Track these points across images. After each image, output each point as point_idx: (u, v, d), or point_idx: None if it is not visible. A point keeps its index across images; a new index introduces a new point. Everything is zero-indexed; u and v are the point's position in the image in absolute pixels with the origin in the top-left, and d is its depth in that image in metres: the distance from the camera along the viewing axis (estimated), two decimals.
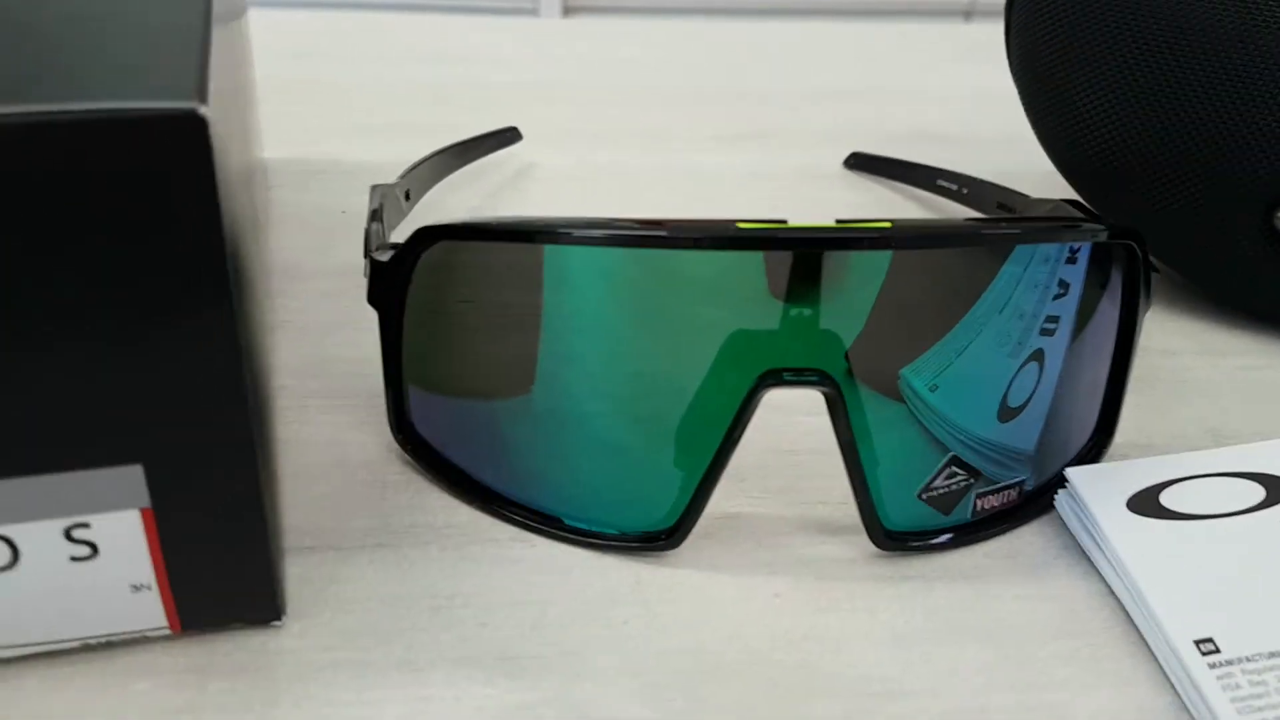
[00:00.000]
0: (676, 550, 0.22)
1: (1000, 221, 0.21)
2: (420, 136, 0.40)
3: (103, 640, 0.19)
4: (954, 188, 0.35)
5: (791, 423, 0.26)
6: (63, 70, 0.15)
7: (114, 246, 0.15)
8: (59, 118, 0.15)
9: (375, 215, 0.25)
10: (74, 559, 0.18)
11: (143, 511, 0.17)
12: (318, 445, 0.25)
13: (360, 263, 0.32)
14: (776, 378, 0.20)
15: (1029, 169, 0.40)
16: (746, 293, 0.20)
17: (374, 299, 0.22)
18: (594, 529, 0.22)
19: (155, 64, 0.16)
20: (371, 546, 0.22)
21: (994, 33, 0.56)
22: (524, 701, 0.19)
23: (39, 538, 0.17)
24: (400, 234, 0.30)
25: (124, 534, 0.17)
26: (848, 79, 0.48)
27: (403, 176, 0.30)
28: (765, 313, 0.20)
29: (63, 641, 0.19)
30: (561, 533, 0.22)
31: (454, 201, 0.36)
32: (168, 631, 0.19)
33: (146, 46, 0.16)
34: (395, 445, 0.25)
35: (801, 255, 0.19)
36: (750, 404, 0.20)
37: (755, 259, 0.20)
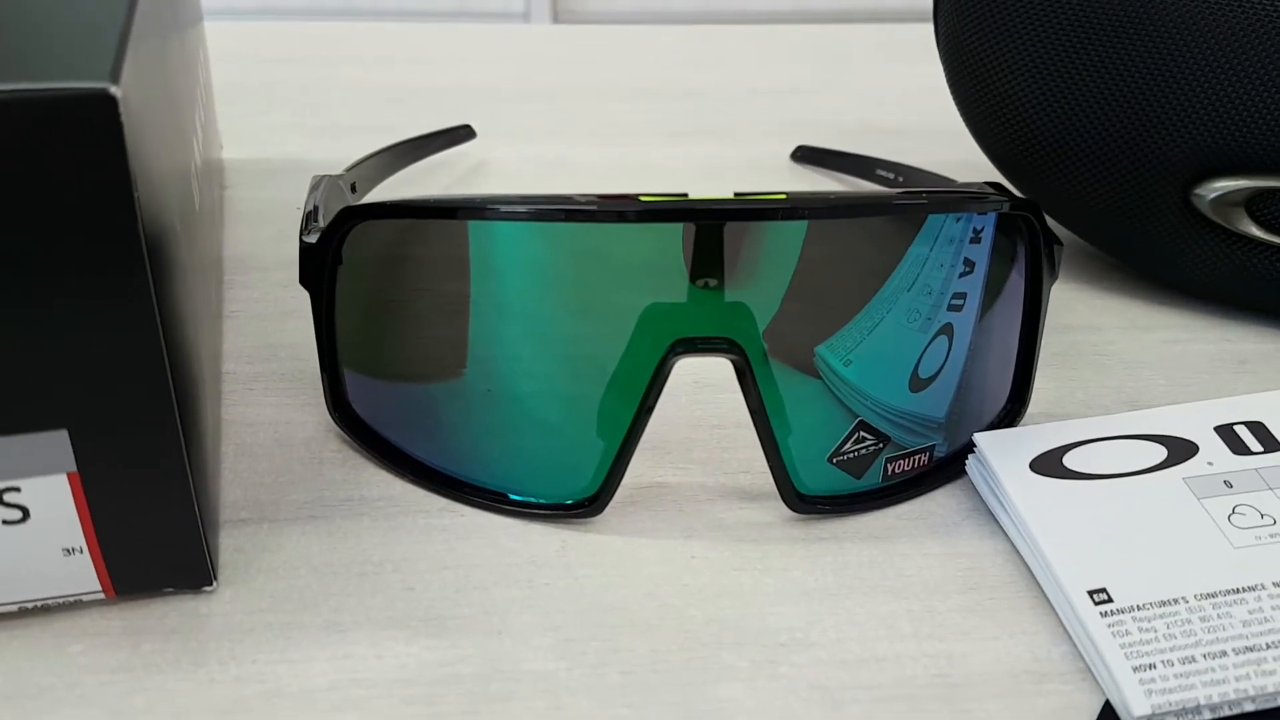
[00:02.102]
0: (601, 517, 0.23)
1: (900, 194, 0.22)
2: (378, 136, 0.41)
3: (39, 604, 0.20)
4: (891, 176, 0.36)
5: (717, 399, 0.27)
6: None
7: (34, 222, 0.16)
8: None
9: (313, 203, 0.26)
10: (5, 523, 0.18)
11: (70, 476, 0.18)
12: (260, 425, 0.26)
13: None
14: (688, 346, 0.21)
15: (974, 160, 0.41)
16: (661, 267, 0.21)
17: (304, 280, 0.23)
18: (521, 498, 0.23)
19: (73, 51, 0.17)
20: (305, 519, 0.23)
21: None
22: (443, 659, 0.20)
23: None
24: None
25: (53, 498, 0.18)
26: (801, 78, 0.49)
27: (349, 169, 0.30)
28: (677, 285, 0.21)
29: None
30: (491, 502, 0.23)
31: (404, 196, 0.37)
32: (102, 596, 0.20)
33: (67, 37, 0.17)
34: (334, 424, 0.25)
35: (704, 227, 0.20)
36: (662, 372, 0.21)
37: (671, 234, 0.21)
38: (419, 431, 0.24)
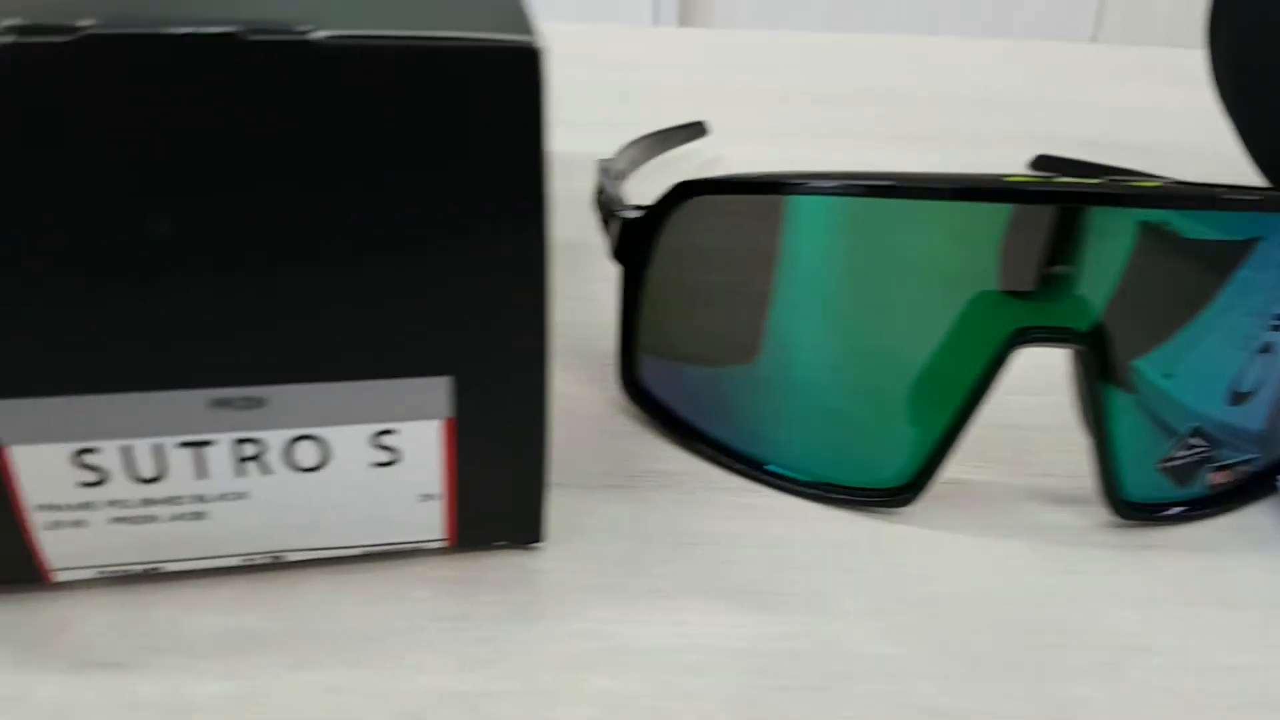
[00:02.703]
0: (906, 509, 0.23)
1: (1269, 190, 0.21)
2: (610, 131, 0.42)
3: (383, 549, 0.20)
4: None
5: (1009, 400, 0.26)
6: (415, 8, 0.17)
7: (451, 169, 0.17)
8: (419, 43, 0.16)
9: (604, 185, 0.26)
10: (377, 464, 0.19)
11: (446, 422, 0.19)
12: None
13: (572, 239, 0.33)
14: (1028, 336, 0.21)
15: (1215, 176, 0.40)
16: (998, 250, 0.21)
17: (621, 254, 0.23)
18: (831, 483, 0.23)
19: (485, 14, 0.17)
20: (608, 488, 0.23)
21: (1156, 55, 0.55)
22: (776, 634, 0.20)
23: (349, 441, 0.19)
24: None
25: (424, 443, 0.19)
26: (1016, 90, 0.49)
27: (618, 155, 0.31)
28: (1021, 271, 0.21)
29: (349, 548, 0.20)
30: (795, 486, 0.23)
31: (651, 188, 0.37)
32: (442, 545, 0.20)
33: (474, 6, 0.18)
34: (620, 400, 0.26)
35: (1065, 211, 0.20)
36: (1000, 361, 0.21)
37: (1008, 216, 0.20)
38: (719, 412, 0.24)
